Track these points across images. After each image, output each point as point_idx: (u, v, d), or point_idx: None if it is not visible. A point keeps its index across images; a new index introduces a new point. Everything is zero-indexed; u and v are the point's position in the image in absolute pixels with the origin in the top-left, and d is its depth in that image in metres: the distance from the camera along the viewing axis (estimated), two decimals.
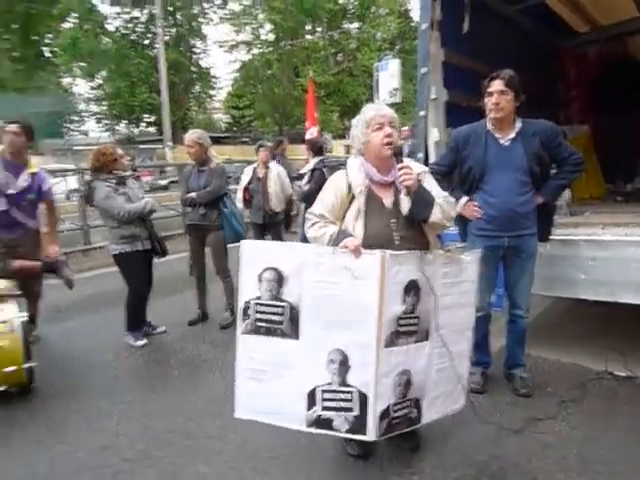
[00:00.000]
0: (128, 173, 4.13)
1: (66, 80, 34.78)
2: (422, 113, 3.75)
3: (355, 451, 2.40)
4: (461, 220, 2.99)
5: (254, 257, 2.12)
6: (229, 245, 4.35)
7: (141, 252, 3.97)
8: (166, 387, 3.32)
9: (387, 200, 2.22)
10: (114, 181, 3.92)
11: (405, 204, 2.17)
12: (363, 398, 2.05)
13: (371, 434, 2.06)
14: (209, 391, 3.21)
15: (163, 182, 19.48)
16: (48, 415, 2.99)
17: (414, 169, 2.20)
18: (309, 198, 5.33)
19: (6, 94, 31.02)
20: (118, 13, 31.45)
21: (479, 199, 2.88)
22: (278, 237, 5.36)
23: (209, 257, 4.48)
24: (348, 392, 2.06)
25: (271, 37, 32.01)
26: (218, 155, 5.11)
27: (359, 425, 2.06)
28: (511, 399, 2.93)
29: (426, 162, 3.78)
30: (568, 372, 3.25)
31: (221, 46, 32.40)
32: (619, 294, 3.08)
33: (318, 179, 5.20)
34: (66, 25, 30.77)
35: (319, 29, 32.97)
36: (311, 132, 8.88)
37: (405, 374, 2.13)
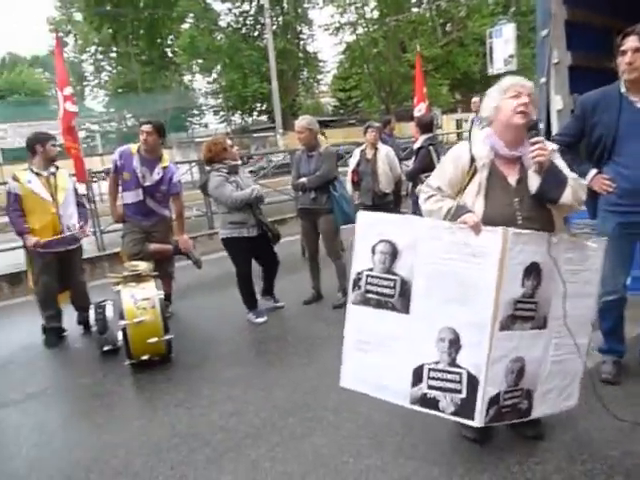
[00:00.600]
0: (238, 162, 4.39)
1: (186, 77, 37.71)
2: (543, 80, 3.47)
3: (472, 435, 2.34)
4: (590, 195, 2.73)
5: (369, 228, 2.12)
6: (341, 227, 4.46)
7: (247, 238, 4.18)
8: (284, 361, 3.53)
9: (512, 177, 2.09)
10: (225, 170, 4.18)
11: (534, 182, 2.03)
12: (473, 381, 1.98)
13: (478, 419, 1.99)
14: (323, 366, 3.33)
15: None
16: (184, 382, 3.36)
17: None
18: (413, 177, 5.24)
19: (137, 95, 34.48)
20: (229, 9, 33.09)
21: (610, 171, 2.60)
22: None
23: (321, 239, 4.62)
24: (457, 373, 2.00)
25: (375, 14, 31.42)
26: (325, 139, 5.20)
27: (466, 408, 2.00)
28: None
29: (548, 134, 3.51)
30: None
31: (326, 29, 32.55)
32: None
33: (423, 158, 5.09)
34: (184, 26, 33.14)
35: (425, 0, 31.61)
36: (419, 109, 8.65)
37: (519, 361, 2.03)
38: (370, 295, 2.11)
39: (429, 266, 2.01)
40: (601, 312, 2.80)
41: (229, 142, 4.37)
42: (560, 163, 2.12)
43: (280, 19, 32.21)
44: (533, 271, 1.96)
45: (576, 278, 2.09)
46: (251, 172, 7.72)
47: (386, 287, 2.08)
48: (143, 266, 3.82)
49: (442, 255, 1.98)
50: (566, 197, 2.01)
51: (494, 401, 2.00)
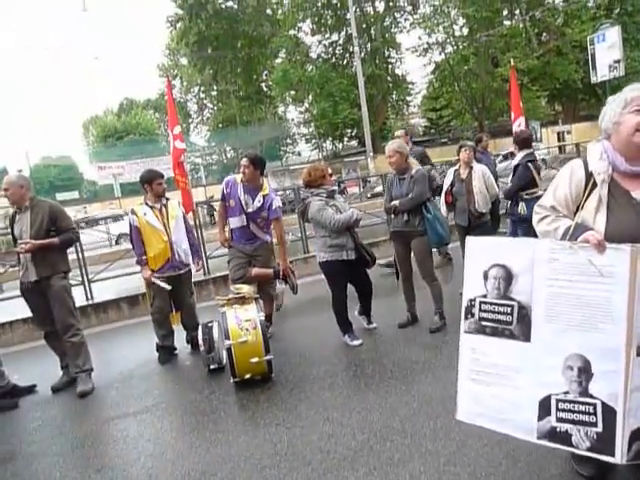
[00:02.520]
0: (335, 188, 4.53)
1: (280, 109, 39.72)
2: None
3: (588, 472, 2.16)
4: None
5: (479, 253, 2.04)
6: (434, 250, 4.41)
7: (345, 262, 4.26)
8: (380, 385, 3.51)
9: (636, 192, 1.92)
10: (324, 195, 4.34)
11: None
12: (609, 412, 1.79)
13: (619, 456, 1.77)
14: (421, 392, 3.29)
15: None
16: (284, 401, 3.47)
17: None
18: (512, 195, 5.02)
19: (235, 128, 36.93)
20: (319, 41, 34.48)
21: None
22: None
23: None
24: (590, 404, 1.81)
25: (465, 32, 30.94)
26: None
27: (603, 443, 1.80)
28: None
29: None
30: None
31: (414, 51, 32.63)
32: None
33: (521, 175, 4.88)
34: (278, 60, 35.08)
35: (517, 12, 30.53)
36: (519, 123, 8.30)
37: None
38: (485, 323, 2.01)
39: (550, 289, 1.88)
40: None
41: (329, 170, 4.56)
42: None
43: (368, 45, 32.89)
44: None
45: None
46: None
47: (502, 314, 1.97)
48: (246, 289, 4.06)
49: (564, 277, 1.86)
50: None
51: (636, 436, 1.79)
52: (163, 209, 4.65)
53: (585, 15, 28.05)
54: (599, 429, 1.80)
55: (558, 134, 34.11)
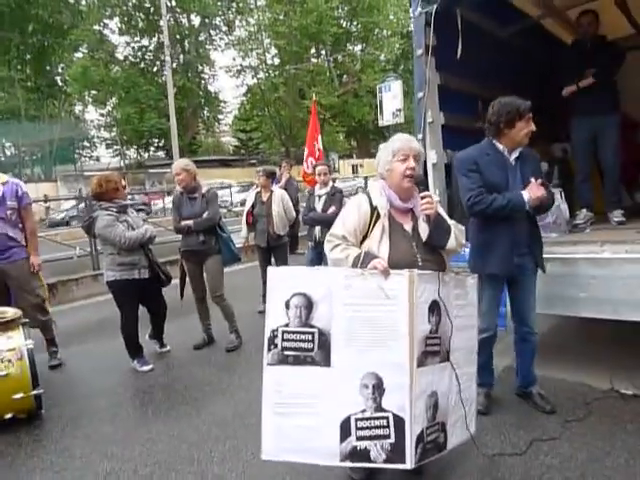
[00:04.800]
0: (128, 202, 4.23)
1: (77, 108, 35.74)
2: (419, 136, 3.81)
3: (358, 476, 2.38)
4: None
5: (281, 283, 2.07)
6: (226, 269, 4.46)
7: (137, 281, 4.00)
8: (170, 412, 3.34)
9: (407, 225, 2.27)
10: (115, 209, 3.99)
11: (424, 230, 2.24)
12: (399, 423, 1.97)
13: (409, 461, 1.96)
14: (213, 415, 3.22)
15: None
16: (55, 441, 3.04)
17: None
18: (308, 222, 5.34)
19: (20, 122, 31.85)
20: (128, 42, 32.38)
21: None
22: (283, 260, 5.40)
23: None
24: (384, 418, 1.97)
25: (276, 61, 32.63)
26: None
27: (396, 453, 1.97)
28: (515, 420, 2.91)
29: (426, 184, 3.84)
30: (573, 391, 3.22)
31: (228, 71, 33.07)
32: (622, 312, 3.07)
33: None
34: (79, 55, 31.73)
35: (323, 52, 33.51)
36: (310, 163, 8.69)
37: (434, 396, 2.09)
38: (288, 352, 2.02)
39: (346, 314, 2.02)
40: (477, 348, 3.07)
41: (123, 182, 4.21)
42: (442, 212, 2.36)
43: (181, 57, 32.13)
44: (435, 308, 2.10)
45: (464, 312, 2.28)
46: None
47: (304, 341, 2.02)
48: (11, 312, 3.45)
49: (357, 302, 2.02)
50: (451, 243, 2.26)
51: (420, 439, 2.01)
52: None
53: (377, 66, 32.27)
54: (392, 440, 1.97)
55: (353, 166, 38.17)
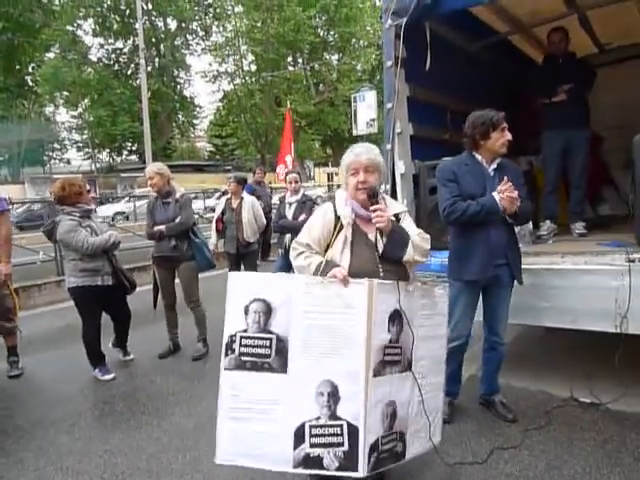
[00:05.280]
0: (92, 207, 4.13)
1: (48, 109, 34.89)
2: (388, 146, 3.84)
3: None
4: None
5: (241, 289, 2.07)
6: (200, 275, 4.37)
7: (100, 288, 3.90)
8: (130, 422, 3.25)
9: (371, 235, 2.25)
10: (78, 214, 3.89)
11: (381, 243, 2.22)
12: (353, 431, 1.97)
13: (362, 470, 1.95)
14: (174, 426, 3.16)
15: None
16: (6, 454, 2.92)
17: (392, 208, 2.30)
18: (277, 230, 5.35)
19: None
20: (102, 44, 31.88)
21: None
22: (252, 267, 5.36)
23: (178, 287, 4.45)
24: (338, 425, 1.97)
25: (253, 68, 32.61)
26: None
27: (349, 461, 1.96)
28: (477, 428, 2.94)
29: (394, 194, 3.87)
30: (535, 399, 3.28)
31: (204, 76, 32.85)
32: (581, 321, 3.14)
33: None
34: (50, 55, 31.03)
35: (300, 60, 33.66)
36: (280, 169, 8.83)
37: (391, 405, 2.09)
38: (245, 358, 2.02)
39: (304, 321, 2.01)
40: (447, 356, 3.09)
41: (87, 187, 4.10)
42: (409, 220, 2.37)
43: (156, 60, 31.78)
44: (396, 318, 2.10)
45: (430, 322, 2.29)
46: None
47: (262, 347, 2.01)
48: None
49: (316, 309, 2.02)
50: (409, 254, 2.22)
51: (374, 448, 2.00)
52: None
53: (353, 76, 32.56)
54: (345, 448, 1.97)
55: (328, 174, 38.38)
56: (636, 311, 2.89)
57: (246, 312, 2.03)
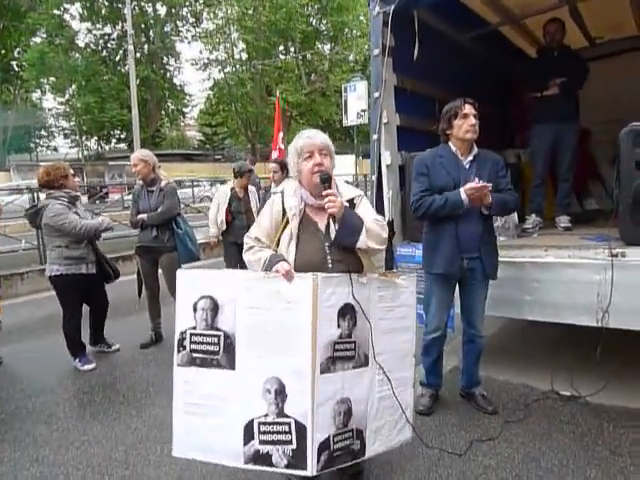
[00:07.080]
0: (78, 194, 4.05)
1: (34, 95, 34.25)
2: (375, 137, 3.80)
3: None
4: None
5: (189, 286, 2.06)
6: (183, 266, 4.30)
7: (84, 276, 3.84)
8: (109, 412, 3.22)
9: (322, 224, 2.17)
10: (66, 200, 3.81)
11: (333, 230, 2.12)
12: (301, 429, 1.94)
13: (311, 468, 1.94)
14: (153, 417, 3.12)
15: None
16: None
17: (346, 193, 2.21)
18: None
19: None
20: (89, 29, 31.31)
21: None
22: None
23: (161, 278, 4.39)
24: (285, 423, 1.95)
25: (244, 56, 32.27)
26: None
27: (298, 459, 1.95)
28: (457, 420, 2.94)
29: (379, 185, 3.84)
30: (515, 392, 3.29)
31: (195, 64, 32.46)
32: (563, 315, 3.15)
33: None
34: (37, 39, 30.43)
35: (292, 49, 33.37)
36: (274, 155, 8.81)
37: (345, 402, 2.04)
38: (195, 354, 2.02)
39: (249, 317, 1.99)
40: (425, 348, 3.09)
41: (71, 171, 4.01)
42: (366, 205, 2.26)
43: (145, 47, 31.30)
44: (348, 312, 2.03)
45: (391, 315, 2.20)
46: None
47: (210, 344, 2.01)
48: None
49: (259, 305, 1.98)
50: (362, 241, 2.10)
51: (325, 446, 1.97)
52: None
53: (345, 66, 32.34)
54: (294, 446, 1.94)
55: None
56: (617, 305, 2.89)
57: (195, 309, 2.02)
